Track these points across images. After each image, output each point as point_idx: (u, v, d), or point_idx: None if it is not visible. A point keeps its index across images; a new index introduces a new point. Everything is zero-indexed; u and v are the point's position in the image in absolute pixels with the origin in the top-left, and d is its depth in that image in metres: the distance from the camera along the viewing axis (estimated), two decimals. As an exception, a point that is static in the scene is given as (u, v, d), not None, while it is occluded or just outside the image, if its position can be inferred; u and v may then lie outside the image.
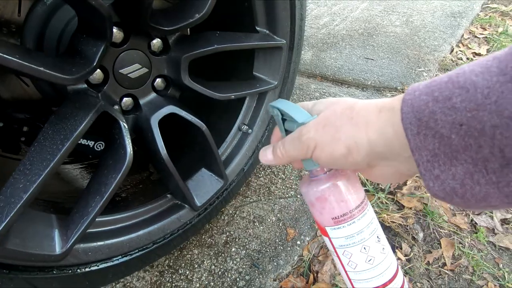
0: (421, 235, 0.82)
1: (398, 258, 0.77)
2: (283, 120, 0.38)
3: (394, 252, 0.78)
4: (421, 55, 1.32)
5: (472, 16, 1.59)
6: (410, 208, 0.86)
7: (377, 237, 0.37)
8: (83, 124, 0.47)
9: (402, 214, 0.85)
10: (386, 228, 0.83)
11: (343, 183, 0.36)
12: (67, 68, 0.43)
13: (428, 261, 0.77)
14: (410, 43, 1.41)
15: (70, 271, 0.53)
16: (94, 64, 0.48)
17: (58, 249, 0.49)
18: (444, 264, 0.76)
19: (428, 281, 0.74)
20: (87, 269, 0.56)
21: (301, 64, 1.37)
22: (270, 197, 0.92)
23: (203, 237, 0.85)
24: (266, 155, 0.38)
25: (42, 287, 0.49)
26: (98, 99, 0.53)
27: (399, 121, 0.26)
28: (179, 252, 0.82)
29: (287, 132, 0.38)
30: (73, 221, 0.52)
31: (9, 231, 0.41)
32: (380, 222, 0.83)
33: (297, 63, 0.86)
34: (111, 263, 0.60)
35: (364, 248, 0.36)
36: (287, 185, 0.94)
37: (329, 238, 0.38)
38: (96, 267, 0.57)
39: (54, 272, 0.50)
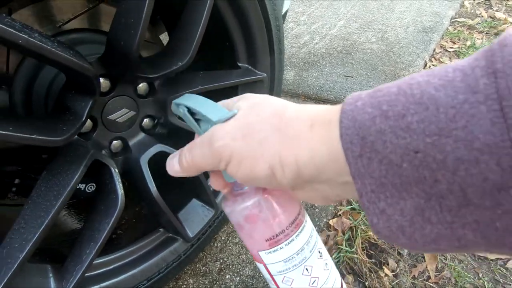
0: (406, 250, 0.86)
1: (386, 275, 0.80)
2: (197, 120, 0.30)
3: (381, 268, 0.82)
4: (397, 71, 1.39)
5: (442, 31, 1.69)
6: (394, 224, 0.91)
7: (319, 252, 0.32)
8: (75, 178, 0.49)
9: (387, 230, 0.89)
10: (373, 245, 0.87)
11: (274, 195, 0.30)
12: (58, 128, 0.45)
13: (414, 275, 0.81)
14: (386, 59, 1.48)
15: (67, 319, 0.54)
16: (84, 118, 0.50)
17: (54, 301, 0.50)
18: (429, 277, 0.80)
19: (414, 295, 0.77)
20: (83, 315, 0.57)
21: (284, 83, 1.42)
22: (261, 221, 0.94)
23: (197, 265, 0.86)
24: (173, 165, 0.30)
25: None
26: (88, 149, 0.55)
27: (335, 138, 0.21)
28: (175, 283, 0.83)
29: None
30: (68, 270, 0.53)
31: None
32: (367, 239, 0.87)
33: (279, 92, 0.90)
34: (107, 305, 0.61)
35: (306, 269, 0.31)
36: (277, 208, 0.97)
37: (264, 265, 0.32)
38: (92, 312, 0.58)
39: (51, 323, 0.51)
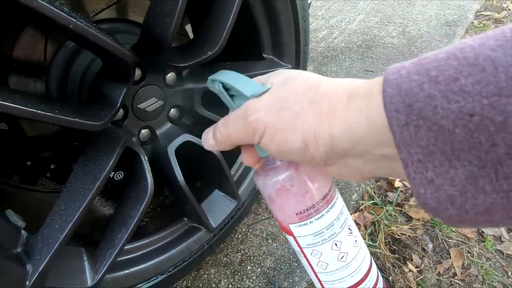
0: (430, 246, 0.84)
1: (410, 270, 0.79)
2: (231, 96, 0.31)
3: (405, 264, 0.81)
4: (419, 65, 1.36)
5: (467, 24, 1.63)
6: (418, 220, 0.89)
7: (349, 228, 0.32)
8: (111, 163, 0.50)
9: (410, 226, 0.88)
10: (396, 240, 0.86)
11: (306, 170, 0.30)
12: (96, 114, 0.46)
13: (439, 272, 0.79)
14: (408, 53, 1.45)
15: (99, 301, 0.56)
16: (118, 105, 0.51)
17: (89, 282, 0.51)
18: (455, 274, 0.78)
19: (440, 291, 0.76)
20: (114, 298, 0.58)
21: (303, 78, 1.40)
22: (282, 214, 0.94)
23: (219, 256, 0.87)
24: (208, 140, 0.31)
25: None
26: (120, 136, 0.56)
27: (377, 109, 0.20)
28: (196, 273, 0.84)
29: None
30: (101, 254, 0.54)
31: (47, 270, 0.44)
32: (390, 234, 0.86)
33: (302, 84, 0.89)
34: (136, 290, 0.62)
35: (336, 244, 0.31)
36: (297, 201, 0.97)
37: (294, 237, 0.32)
38: (122, 295, 0.59)
39: (86, 303, 0.53)
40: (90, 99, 0.55)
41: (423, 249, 0.83)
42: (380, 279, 0.35)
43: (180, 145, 0.66)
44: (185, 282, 0.83)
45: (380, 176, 0.25)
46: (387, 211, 0.91)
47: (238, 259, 0.86)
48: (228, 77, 0.31)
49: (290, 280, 0.80)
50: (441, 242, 0.85)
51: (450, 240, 0.84)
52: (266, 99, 0.26)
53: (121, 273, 0.59)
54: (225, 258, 0.86)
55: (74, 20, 0.34)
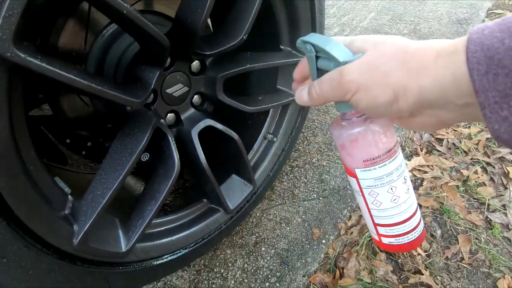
0: (439, 232, 0.87)
1: (418, 254, 0.82)
2: (317, 57, 0.34)
3: (414, 249, 0.84)
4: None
5: (478, 22, 1.65)
6: (427, 207, 0.92)
7: (404, 178, 0.38)
8: (145, 139, 0.55)
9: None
10: (405, 227, 0.89)
11: (377, 127, 0.35)
12: (134, 93, 0.51)
13: (447, 256, 0.82)
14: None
15: (130, 268, 0.61)
16: (152, 86, 0.56)
17: (123, 247, 0.56)
18: (462, 259, 0.81)
19: (447, 274, 0.79)
20: (143, 266, 0.63)
21: (315, 73, 1.44)
22: (294, 200, 0.98)
23: (234, 238, 0.92)
24: (302, 97, 0.36)
25: (111, 280, 0.57)
26: (151, 117, 0.61)
27: (461, 64, 0.24)
28: (213, 253, 0.89)
29: (320, 71, 0.34)
30: (133, 224, 0.59)
31: (90, 231, 0.49)
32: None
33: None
34: (162, 261, 0.67)
35: (391, 188, 0.37)
36: (310, 189, 1.01)
37: (357, 179, 0.39)
38: (151, 264, 0.65)
39: (120, 268, 0.58)
40: (125, 82, 0.60)
41: (432, 235, 0.86)
42: (422, 224, 0.42)
43: (203, 130, 0.71)
44: (202, 261, 0.87)
45: (459, 122, 0.30)
46: (397, 199, 0.94)
47: (253, 241, 0.90)
48: (321, 40, 0.34)
49: (303, 261, 0.84)
50: (449, 229, 0.88)
51: (458, 227, 0.87)
52: (358, 63, 0.30)
53: (150, 243, 0.64)
54: (240, 240, 0.91)
55: (127, 6, 0.39)
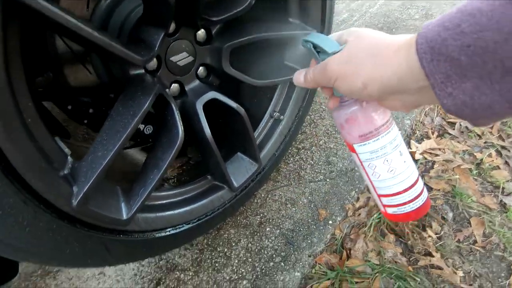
0: (450, 215, 0.84)
1: (429, 236, 0.79)
2: (318, 52, 0.43)
3: (425, 230, 0.81)
4: (443, 46, 1.34)
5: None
6: (439, 190, 0.89)
7: (399, 152, 0.43)
8: (148, 102, 0.53)
9: (430, 196, 0.88)
10: (415, 209, 0.86)
11: (367, 106, 0.41)
12: (138, 53, 0.49)
13: (459, 239, 0.79)
14: (430, 34, 1.42)
15: (132, 237, 0.59)
16: (156, 49, 0.54)
17: (124, 215, 0.55)
18: (475, 242, 0.78)
19: (459, 257, 0.76)
20: (144, 237, 0.62)
21: (322, 58, 1.41)
22: (300, 181, 0.96)
23: (238, 218, 0.90)
24: (299, 78, 0.45)
25: (111, 248, 0.55)
26: (155, 83, 0.59)
27: (414, 54, 0.30)
28: (217, 232, 0.87)
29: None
30: (135, 192, 0.58)
31: (90, 194, 0.48)
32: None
33: (325, 52, 0.90)
34: (163, 234, 0.66)
35: (387, 160, 0.42)
36: (316, 170, 0.98)
37: (357, 154, 0.44)
38: (153, 236, 0.63)
39: (121, 236, 0.57)
40: (130, 44, 0.58)
41: (443, 218, 0.83)
42: (425, 195, 0.45)
43: (208, 105, 0.69)
44: (205, 240, 0.86)
45: (420, 104, 0.35)
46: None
47: (257, 221, 0.88)
48: (317, 38, 0.42)
49: (309, 241, 0.82)
50: (462, 212, 0.84)
51: (471, 210, 0.84)
52: (339, 55, 0.38)
53: (152, 215, 0.62)
54: (244, 220, 0.89)
55: None
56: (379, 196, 0.46)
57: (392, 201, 0.44)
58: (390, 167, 0.42)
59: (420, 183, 0.45)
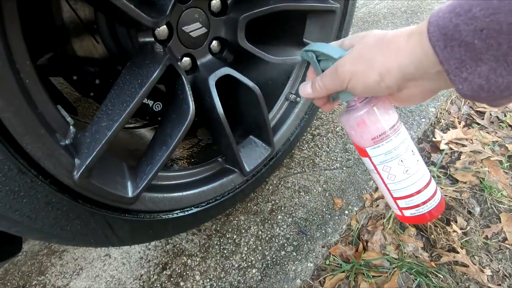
0: (477, 209, 0.78)
1: (454, 231, 0.74)
2: (319, 61, 0.42)
3: (449, 225, 0.75)
4: (472, 31, 1.25)
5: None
6: (465, 183, 0.82)
7: (412, 151, 0.42)
8: (157, 72, 0.49)
9: (456, 188, 0.82)
10: (439, 202, 0.80)
11: (377, 107, 0.40)
12: (148, 13, 0.45)
13: (487, 236, 0.73)
14: (458, 19, 1.33)
15: (137, 217, 0.56)
16: (167, 13, 0.49)
17: (130, 193, 0.51)
18: (505, 239, 0.72)
19: (487, 254, 0.70)
20: (150, 218, 0.58)
21: (341, 43, 1.34)
22: (315, 169, 0.91)
23: (249, 204, 0.86)
24: (306, 89, 0.43)
25: (115, 227, 0.52)
26: (166, 53, 0.55)
27: (427, 42, 0.29)
28: (226, 218, 0.84)
29: (324, 71, 0.41)
30: (142, 170, 0.54)
31: (93, 168, 0.44)
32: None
33: (348, 31, 0.84)
34: (171, 216, 0.62)
35: (401, 161, 0.41)
36: (332, 158, 0.93)
37: (369, 158, 0.43)
38: (159, 218, 0.59)
39: (126, 215, 0.53)
40: (140, 5, 0.54)
41: (469, 212, 0.77)
42: (439, 194, 0.44)
43: (221, 84, 0.64)
44: (214, 226, 0.82)
45: (440, 89, 0.33)
46: (430, 172, 0.85)
47: (269, 209, 0.84)
48: (319, 47, 0.41)
49: (323, 231, 0.77)
50: (490, 207, 0.78)
51: (500, 205, 0.78)
52: (348, 56, 0.37)
53: (159, 195, 0.59)
54: (255, 207, 0.85)
55: None
56: (395, 199, 0.44)
57: (410, 202, 0.43)
58: (405, 168, 0.41)
59: (433, 181, 0.44)
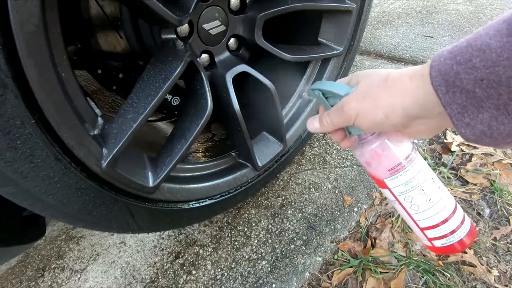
0: (487, 211, 0.79)
1: (462, 231, 0.74)
2: (326, 98, 0.43)
3: (458, 225, 0.76)
4: (488, 33, 1.23)
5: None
6: (475, 185, 0.83)
7: (431, 178, 0.41)
8: (179, 68, 0.51)
9: (466, 190, 0.82)
10: (448, 202, 0.81)
11: (390, 139, 0.40)
12: (173, 11, 0.47)
13: (495, 237, 0.74)
14: (474, 20, 1.32)
15: (156, 206, 0.58)
16: (190, 11, 0.51)
17: (151, 182, 0.54)
18: (514, 241, 0.73)
19: (495, 256, 0.71)
20: (168, 207, 0.61)
21: (354, 42, 1.34)
22: (325, 166, 0.92)
23: (260, 199, 0.88)
24: (314, 124, 0.44)
25: (136, 215, 0.55)
26: (187, 49, 0.57)
27: (429, 85, 0.30)
28: (237, 211, 0.86)
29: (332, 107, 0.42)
30: (161, 161, 0.56)
31: (119, 157, 0.47)
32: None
33: (363, 31, 0.85)
34: (187, 206, 0.65)
35: (423, 189, 0.40)
36: (343, 156, 0.95)
37: (389, 189, 0.42)
38: (176, 207, 0.62)
39: (146, 203, 0.56)
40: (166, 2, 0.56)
41: (479, 214, 0.78)
42: (468, 222, 0.42)
43: (236, 81, 0.66)
44: (225, 218, 0.85)
45: (445, 127, 0.36)
46: (440, 172, 0.85)
47: (279, 204, 0.86)
48: (325, 85, 0.42)
49: (332, 227, 0.79)
50: (500, 209, 0.79)
51: (510, 208, 0.78)
52: (354, 94, 0.38)
53: (176, 186, 0.61)
54: (266, 201, 0.87)
55: None
56: (423, 229, 0.43)
57: (439, 232, 0.41)
58: (428, 196, 0.40)
59: (459, 208, 0.42)
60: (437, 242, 0.42)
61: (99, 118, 0.46)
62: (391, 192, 0.42)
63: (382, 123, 0.35)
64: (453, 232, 0.40)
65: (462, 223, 0.41)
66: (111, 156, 0.44)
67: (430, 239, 0.43)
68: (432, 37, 1.28)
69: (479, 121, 0.28)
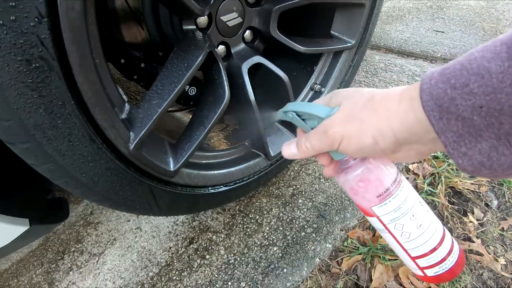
0: (495, 202, 0.80)
1: (470, 221, 0.76)
2: (303, 120, 0.38)
3: (466, 216, 0.78)
4: (499, 28, 1.23)
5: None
6: (484, 177, 0.84)
7: (419, 202, 0.39)
8: (201, 57, 0.53)
9: (474, 181, 0.84)
10: (457, 193, 0.82)
11: (376, 163, 0.37)
12: (197, 2, 0.49)
13: (503, 228, 0.75)
14: (486, 15, 1.32)
15: (176, 189, 0.61)
16: (211, 2, 0.54)
17: (172, 166, 0.56)
18: (522, 232, 0.74)
19: (502, 245, 0.73)
20: (186, 192, 0.64)
21: (363, 37, 1.35)
22: (335, 158, 0.94)
23: (271, 188, 0.90)
24: (290, 149, 0.39)
25: (158, 197, 0.58)
26: (206, 40, 0.59)
27: (420, 109, 0.27)
28: (249, 200, 0.89)
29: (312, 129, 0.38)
30: (181, 147, 0.59)
31: (144, 141, 0.49)
32: (451, 187, 0.83)
33: (375, 24, 0.86)
34: (204, 192, 0.68)
35: (413, 215, 0.37)
36: (352, 148, 0.96)
37: (378, 217, 0.39)
38: (194, 192, 0.65)
39: (167, 187, 0.59)
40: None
41: (487, 205, 0.79)
42: (456, 246, 0.39)
43: (250, 72, 0.68)
44: (237, 206, 0.87)
45: (436, 151, 0.33)
46: (449, 164, 0.87)
47: (290, 193, 0.88)
48: (298, 106, 0.38)
49: (342, 216, 0.81)
50: (508, 201, 0.80)
51: (518, 200, 0.79)
52: (337, 116, 0.34)
53: (194, 171, 0.64)
54: (277, 191, 0.89)
55: None
56: (414, 259, 0.39)
57: (431, 260, 0.38)
58: (418, 222, 0.37)
59: (446, 231, 0.40)
60: (430, 271, 0.39)
61: (126, 104, 0.49)
62: (379, 220, 0.39)
63: (370, 147, 0.32)
64: (444, 259, 0.38)
65: (452, 249, 0.39)
66: (137, 139, 0.47)
67: (422, 268, 0.40)
68: (443, 32, 1.28)
69: (477, 151, 0.25)
